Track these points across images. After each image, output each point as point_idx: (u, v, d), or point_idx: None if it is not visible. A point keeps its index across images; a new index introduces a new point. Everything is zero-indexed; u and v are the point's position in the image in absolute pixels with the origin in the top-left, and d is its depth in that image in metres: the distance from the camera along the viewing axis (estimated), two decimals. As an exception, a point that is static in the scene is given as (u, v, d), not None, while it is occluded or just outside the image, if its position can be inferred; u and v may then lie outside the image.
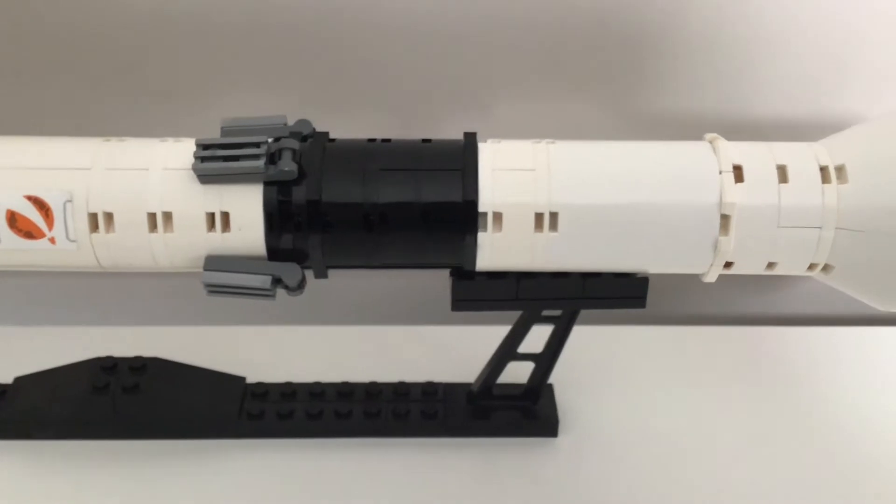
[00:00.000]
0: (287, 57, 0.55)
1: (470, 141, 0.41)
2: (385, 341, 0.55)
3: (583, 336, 0.54)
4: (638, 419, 0.50)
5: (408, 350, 0.54)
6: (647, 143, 0.41)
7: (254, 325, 0.56)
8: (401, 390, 0.50)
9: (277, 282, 0.40)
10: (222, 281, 0.39)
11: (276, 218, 0.39)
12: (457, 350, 0.53)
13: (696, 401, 0.52)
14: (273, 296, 0.40)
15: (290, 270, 0.40)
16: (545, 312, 0.46)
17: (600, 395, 0.52)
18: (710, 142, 0.41)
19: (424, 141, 0.41)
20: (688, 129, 0.55)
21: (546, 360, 0.48)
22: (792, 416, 0.51)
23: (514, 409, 0.49)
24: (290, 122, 0.42)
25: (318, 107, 0.56)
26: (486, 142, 0.41)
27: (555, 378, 0.50)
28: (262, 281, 0.39)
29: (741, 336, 0.57)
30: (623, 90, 0.57)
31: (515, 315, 0.46)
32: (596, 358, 0.55)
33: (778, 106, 0.57)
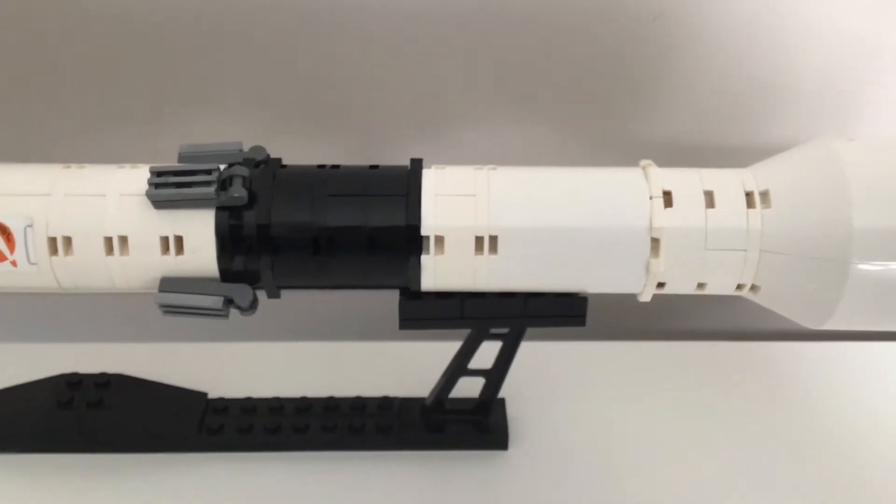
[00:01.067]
0: (249, 84, 0.58)
1: (415, 167, 0.43)
2: (344, 357, 0.57)
3: (535, 351, 0.56)
4: (587, 432, 0.52)
5: (365, 366, 0.56)
6: (584, 170, 0.43)
7: (217, 341, 0.58)
8: (357, 405, 0.52)
9: (230, 302, 0.42)
10: (175, 302, 0.41)
11: (228, 241, 0.41)
12: (413, 365, 0.55)
13: (644, 414, 0.54)
14: (226, 316, 0.42)
15: (241, 291, 0.41)
16: (493, 330, 0.48)
17: (551, 409, 0.54)
18: (644, 168, 0.43)
19: (372, 167, 0.43)
20: (636, 152, 0.57)
21: (496, 375, 0.50)
22: (739, 428, 0.53)
23: (466, 423, 0.51)
24: (247, 148, 0.44)
25: (280, 132, 0.59)
26: (430, 168, 0.43)
27: (507, 393, 0.52)
28: (214, 301, 0.41)
29: (689, 351, 0.59)
30: (574, 115, 0.60)
31: (467, 332, 0.48)
32: (548, 373, 0.57)
33: (720, 131, 0.59)
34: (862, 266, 0.40)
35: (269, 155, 0.44)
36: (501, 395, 0.52)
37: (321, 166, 0.43)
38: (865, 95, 0.60)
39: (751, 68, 0.58)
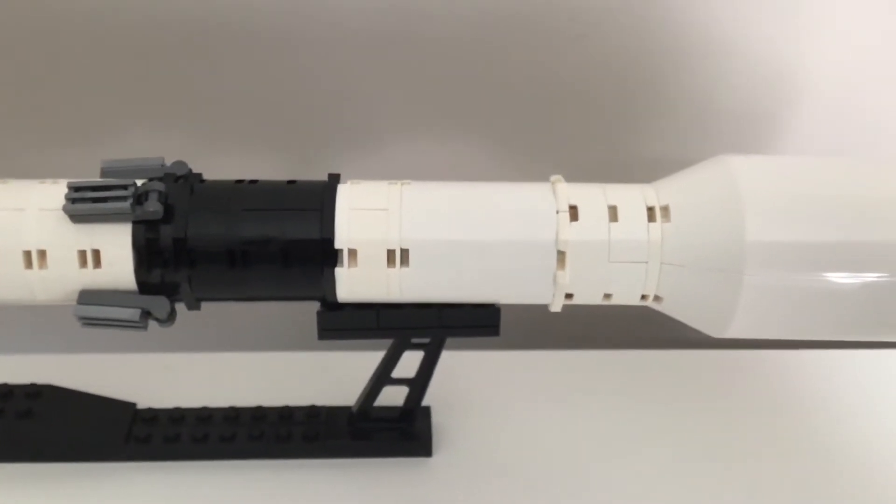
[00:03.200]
0: (179, 100, 0.59)
1: (331, 183, 0.44)
2: (274, 368, 0.58)
3: (462, 361, 0.58)
4: (511, 440, 0.54)
5: (294, 376, 0.57)
6: (495, 185, 0.45)
7: (149, 352, 0.58)
8: (285, 414, 0.53)
9: (147, 314, 0.43)
10: (93, 314, 0.42)
11: (144, 255, 0.42)
12: (341, 375, 0.56)
13: (567, 422, 0.55)
14: (144, 327, 0.43)
15: (158, 304, 0.42)
16: (415, 340, 0.49)
17: (476, 416, 0.55)
18: (553, 183, 0.45)
19: (289, 182, 0.45)
20: (562, 167, 0.58)
21: (419, 384, 0.51)
22: (661, 434, 0.54)
23: (391, 431, 0.52)
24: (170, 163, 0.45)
25: (212, 148, 0.60)
26: (346, 183, 0.45)
27: (434, 401, 0.54)
28: (132, 314, 0.42)
29: (610, 359, 0.60)
30: (503, 130, 0.61)
31: (390, 342, 0.49)
32: (475, 382, 0.58)
33: (639, 145, 0.61)
34: (755, 277, 0.41)
35: (190, 170, 0.45)
36: (428, 403, 0.54)
37: (239, 181, 0.44)
38: (783, 114, 0.62)
39: (670, 86, 0.60)
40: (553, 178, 0.45)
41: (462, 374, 0.57)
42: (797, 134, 0.63)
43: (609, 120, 0.61)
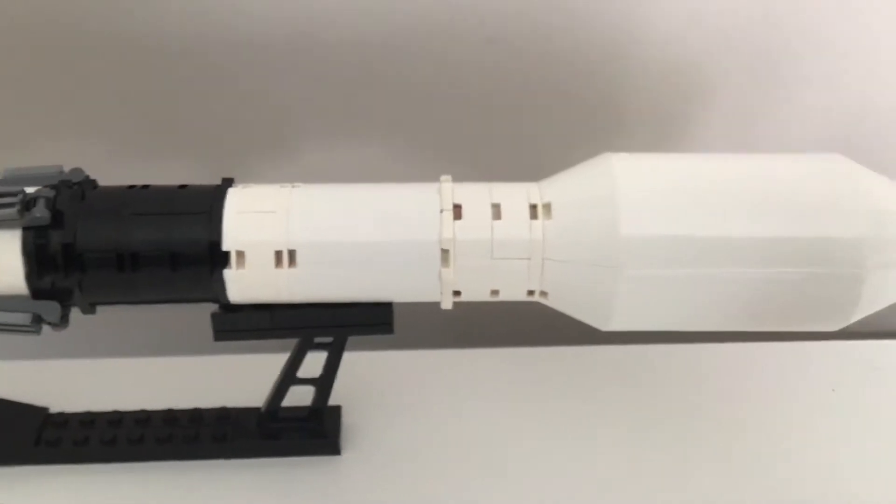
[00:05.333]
0: (95, 109, 0.59)
1: (221, 186, 0.45)
2: (186, 370, 0.59)
3: (374, 360, 0.59)
4: (420, 437, 0.54)
5: (207, 378, 0.58)
6: (383, 186, 0.46)
7: (63, 358, 0.59)
8: (195, 416, 0.54)
9: (40, 319, 0.43)
10: (-16, 318, 0.43)
11: (34, 260, 0.43)
12: (255, 377, 0.56)
13: (477, 420, 0.56)
14: (37, 332, 0.44)
15: (49, 308, 0.43)
16: (318, 340, 0.50)
17: (387, 415, 0.56)
18: (441, 183, 0.46)
19: (181, 187, 0.45)
20: (478, 168, 0.59)
21: (325, 383, 0.52)
22: (567, 428, 0.55)
23: (299, 430, 0.53)
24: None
25: (130, 157, 0.61)
26: (237, 187, 0.46)
27: (345, 400, 0.55)
28: (23, 318, 0.43)
29: (518, 356, 0.61)
30: (418, 134, 0.62)
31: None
32: (387, 381, 0.59)
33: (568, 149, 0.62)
34: (631, 271, 0.42)
35: (87, 177, 0.46)
36: (340, 402, 0.55)
37: (132, 186, 0.45)
38: (692, 113, 0.63)
39: (579, 87, 0.61)
40: (443, 178, 0.46)
41: (375, 374, 0.58)
42: (707, 132, 0.64)
43: (517, 121, 0.62)
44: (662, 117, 0.63)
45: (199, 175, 0.62)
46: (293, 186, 0.45)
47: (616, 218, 0.42)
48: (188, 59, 0.59)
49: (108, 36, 0.58)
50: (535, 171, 0.63)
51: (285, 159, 0.63)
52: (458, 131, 0.63)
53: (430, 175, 0.62)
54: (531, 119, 0.62)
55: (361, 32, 0.59)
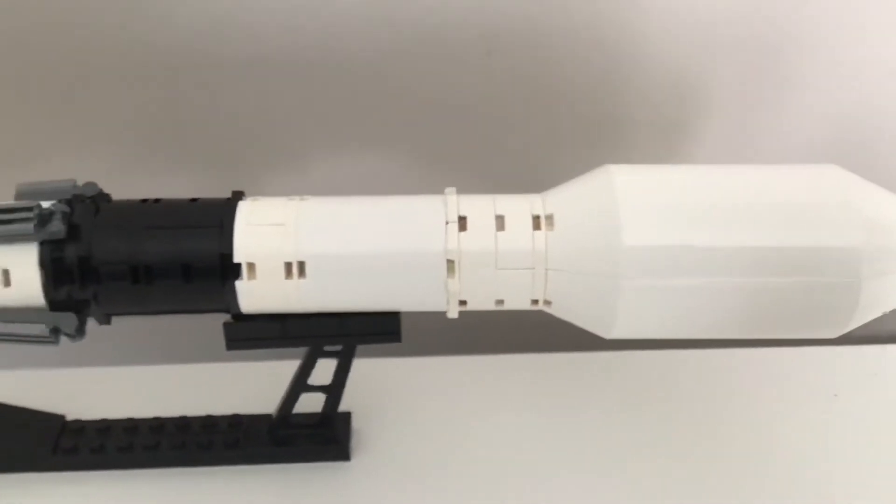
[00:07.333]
0: (107, 123, 0.61)
1: (232, 199, 0.46)
2: (199, 378, 0.60)
3: (385, 367, 0.60)
4: (429, 443, 0.55)
5: (220, 386, 0.59)
6: (390, 198, 0.47)
7: (79, 367, 0.60)
8: (208, 423, 0.55)
9: (57, 330, 0.45)
10: (4, 331, 0.44)
11: (51, 273, 0.44)
12: (267, 384, 0.58)
13: (487, 426, 0.57)
14: (56, 342, 0.45)
15: (66, 319, 0.44)
16: (328, 348, 0.51)
17: (396, 421, 0.57)
18: (446, 195, 0.47)
19: (192, 200, 0.47)
20: (489, 180, 0.60)
21: (335, 390, 0.53)
22: (579, 435, 0.56)
23: (310, 437, 0.54)
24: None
25: (138, 170, 0.62)
26: (246, 200, 0.47)
27: (355, 407, 0.56)
28: (41, 329, 0.44)
29: (527, 363, 0.62)
30: (422, 146, 0.63)
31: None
32: (397, 388, 0.60)
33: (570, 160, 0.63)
34: (633, 281, 0.43)
35: (100, 191, 0.47)
36: (350, 409, 0.56)
37: (144, 200, 0.46)
38: (693, 124, 0.64)
39: (580, 99, 0.62)
40: (447, 190, 0.47)
41: (384, 381, 0.59)
42: (707, 143, 0.65)
43: (520, 133, 0.63)
44: (662, 126, 0.64)
45: (207, 187, 0.63)
46: (301, 199, 0.47)
47: (618, 229, 0.43)
48: (196, 71, 0.60)
49: (116, 50, 0.59)
50: (534, 181, 0.64)
51: (292, 171, 0.64)
52: (459, 143, 0.64)
53: (430, 186, 0.64)
54: (531, 130, 0.63)
55: (368, 46, 0.60)
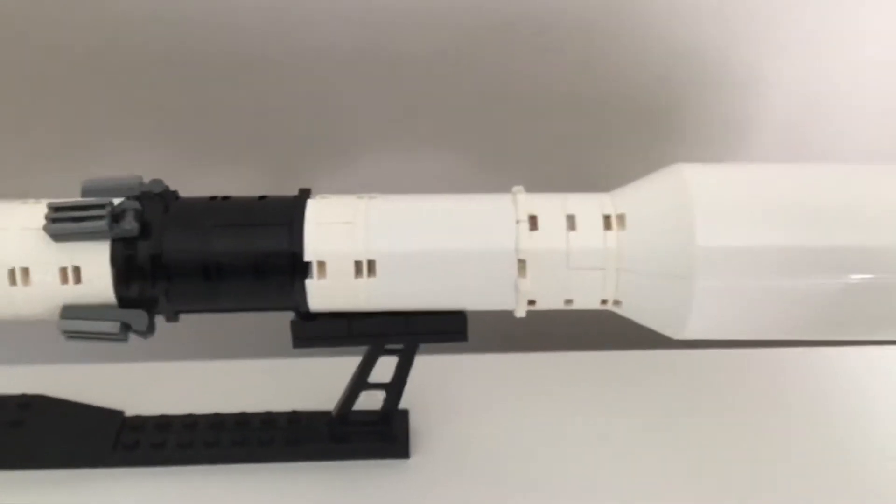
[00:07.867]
0: (164, 119, 0.61)
1: (300, 197, 0.46)
2: (257, 374, 0.60)
3: (442, 364, 0.60)
4: (487, 441, 0.55)
5: (278, 382, 0.59)
6: (458, 197, 0.47)
7: (137, 362, 0.60)
8: (267, 419, 0.55)
9: (127, 327, 0.45)
10: (75, 328, 0.44)
11: (122, 271, 0.44)
12: (324, 381, 0.57)
13: (545, 424, 0.56)
14: (125, 339, 0.45)
15: (137, 317, 0.44)
16: (389, 346, 0.51)
17: (454, 419, 0.57)
18: (514, 194, 0.46)
19: (260, 198, 0.47)
20: (535, 179, 0.60)
21: (395, 388, 0.53)
22: (641, 434, 0.55)
23: (369, 434, 0.54)
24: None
25: (194, 165, 0.62)
26: (315, 198, 0.47)
27: (413, 404, 0.56)
28: (112, 326, 0.44)
29: (590, 360, 0.61)
30: (478, 144, 0.63)
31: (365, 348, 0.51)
32: (454, 385, 0.59)
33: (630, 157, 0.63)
34: (706, 282, 0.43)
35: (167, 188, 0.47)
36: (407, 406, 0.56)
37: (213, 198, 0.46)
38: (754, 121, 0.63)
39: (640, 96, 0.62)
40: (515, 188, 0.47)
41: (440, 378, 0.59)
42: (764, 141, 0.64)
43: (580, 130, 0.63)
44: (722, 122, 0.63)
45: (259, 185, 0.63)
46: (370, 197, 0.46)
47: (692, 229, 0.43)
48: (254, 70, 0.60)
49: (168, 49, 0.59)
50: (596, 178, 0.63)
51: (347, 169, 0.63)
52: (517, 140, 0.63)
53: (489, 185, 0.63)
54: (592, 126, 0.63)
55: (423, 42, 0.60)
